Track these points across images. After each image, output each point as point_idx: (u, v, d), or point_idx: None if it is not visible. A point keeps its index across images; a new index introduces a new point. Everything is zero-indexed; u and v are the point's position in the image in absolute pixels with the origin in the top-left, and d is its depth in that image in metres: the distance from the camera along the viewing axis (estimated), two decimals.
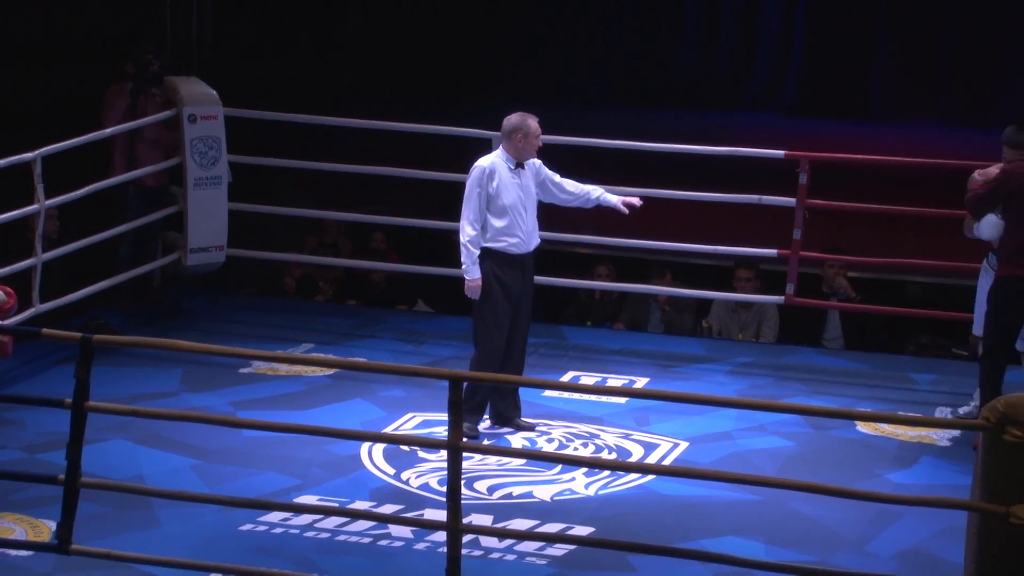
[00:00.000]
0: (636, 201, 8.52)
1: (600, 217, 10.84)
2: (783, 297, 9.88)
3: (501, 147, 8.25)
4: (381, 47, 16.86)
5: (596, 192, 8.45)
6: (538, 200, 8.33)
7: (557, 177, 8.40)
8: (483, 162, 8.20)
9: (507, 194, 8.12)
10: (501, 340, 8.20)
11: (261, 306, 10.74)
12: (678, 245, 10.20)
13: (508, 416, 8.35)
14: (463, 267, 8.15)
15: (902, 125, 15.65)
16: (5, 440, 8.02)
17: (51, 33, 13.00)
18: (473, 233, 8.11)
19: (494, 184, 8.12)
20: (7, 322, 6.80)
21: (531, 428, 8.35)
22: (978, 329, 8.65)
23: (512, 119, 8.23)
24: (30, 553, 6.64)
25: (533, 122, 8.21)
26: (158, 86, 10.15)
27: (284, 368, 9.18)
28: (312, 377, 9.13)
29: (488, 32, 16.87)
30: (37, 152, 8.94)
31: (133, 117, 10.04)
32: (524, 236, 8.18)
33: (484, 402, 8.27)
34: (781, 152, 9.92)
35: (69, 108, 11.16)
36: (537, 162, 8.32)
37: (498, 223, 8.12)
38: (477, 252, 8.12)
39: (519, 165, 8.19)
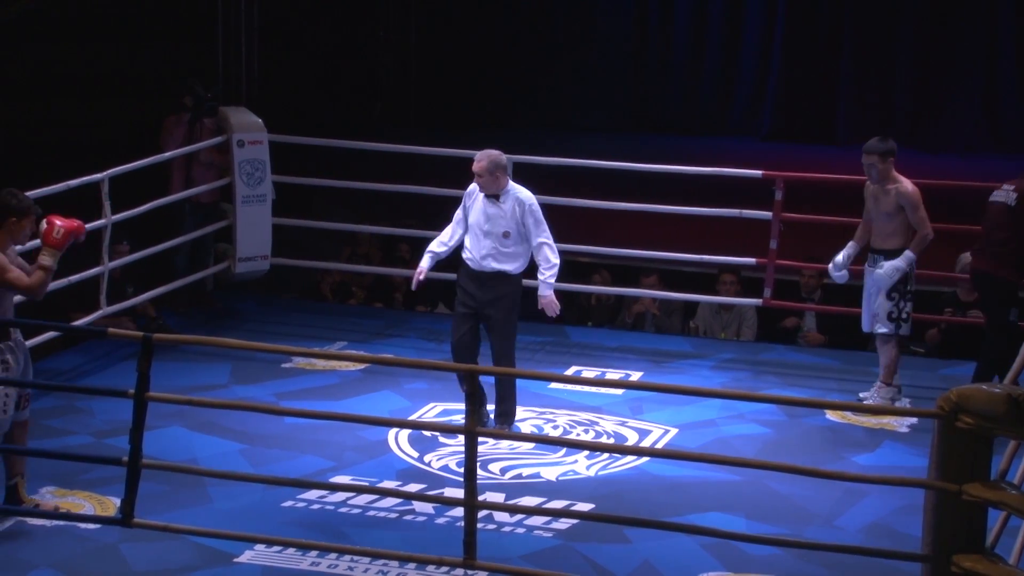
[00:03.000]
0: (552, 310, 8.02)
1: (599, 229, 10.82)
2: (761, 300, 9.84)
3: None
4: (408, 81, 16.84)
5: (545, 276, 7.90)
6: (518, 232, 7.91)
7: (538, 239, 7.86)
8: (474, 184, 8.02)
9: (473, 215, 7.94)
10: (456, 336, 7.98)
11: (301, 308, 10.71)
12: (668, 254, 10.15)
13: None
14: None
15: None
16: (76, 427, 7.99)
17: (117, 71, 13.00)
18: (441, 235, 8.04)
19: (470, 203, 7.97)
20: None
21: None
22: (866, 325, 8.68)
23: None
24: (97, 526, 6.62)
25: (476, 156, 7.87)
26: (211, 115, 10.14)
27: (321, 363, 9.13)
28: (346, 371, 9.09)
29: (501, 69, 16.85)
30: (105, 173, 8.92)
31: (189, 143, 10.03)
32: (475, 255, 7.92)
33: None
34: (759, 172, 9.88)
35: (132, 136, 11.15)
36: (527, 205, 7.89)
37: (466, 237, 7.99)
38: (428, 251, 8.03)
39: (492, 196, 7.89)
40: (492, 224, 7.89)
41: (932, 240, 8.50)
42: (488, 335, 8.03)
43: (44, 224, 6.68)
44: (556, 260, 7.93)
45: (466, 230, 7.98)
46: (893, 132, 15.55)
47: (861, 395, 8.74)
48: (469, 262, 7.94)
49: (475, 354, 8.02)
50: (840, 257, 8.71)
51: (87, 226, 8.77)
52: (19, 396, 6.67)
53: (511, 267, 7.93)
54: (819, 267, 10.11)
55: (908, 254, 8.42)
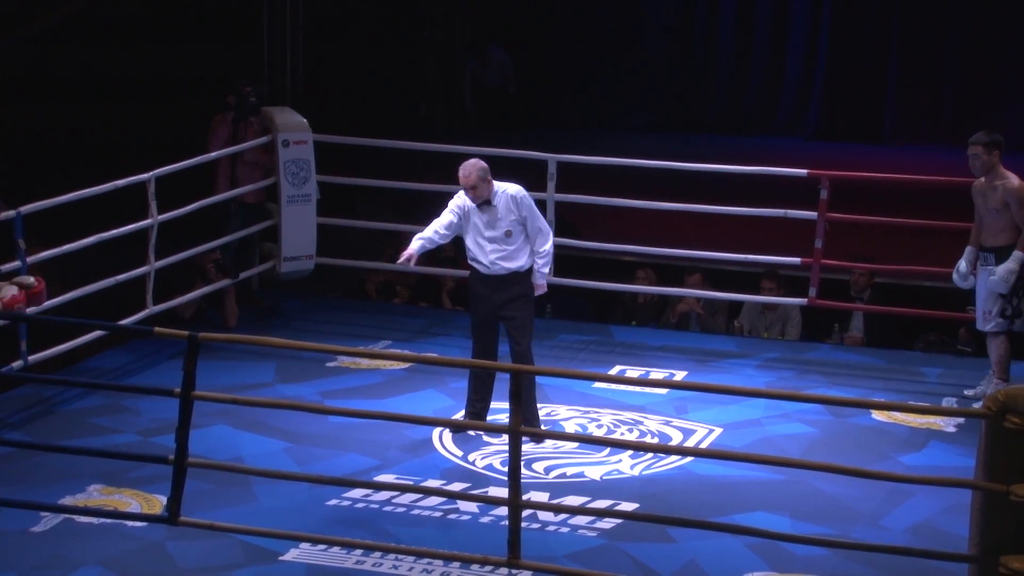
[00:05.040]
0: (540, 289, 8.05)
1: (644, 228, 10.81)
2: (806, 299, 9.80)
3: None
4: (453, 81, 16.86)
5: (539, 264, 7.96)
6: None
7: (538, 232, 7.91)
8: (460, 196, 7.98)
9: (469, 224, 7.92)
10: (478, 341, 8.01)
11: (345, 307, 10.75)
12: (713, 254, 10.12)
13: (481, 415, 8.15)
14: None
15: (911, 147, 15.52)
16: (123, 425, 8.04)
17: (164, 71, 13.09)
18: (431, 226, 8.00)
19: (465, 211, 7.91)
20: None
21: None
22: (980, 324, 8.57)
23: None
24: (144, 524, 6.66)
25: (460, 171, 7.84)
26: (256, 115, 10.16)
27: (365, 362, 9.16)
28: (390, 370, 9.12)
29: (547, 68, 16.86)
30: (151, 173, 8.98)
31: (234, 142, 10.06)
32: (484, 262, 7.91)
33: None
34: (804, 171, 9.83)
35: (179, 136, 11.22)
36: (518, 198, 7.88)
37: (468, 245, 7.98)
38: (418, 237, 7.98)
39: (484, 203, 7.87)
40: (492, 228, 7.89)
41: None
42: (508, 336, 8.03)
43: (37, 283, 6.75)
44: (549, 247, 7.97)
45: (466, 240, 7.95)
46: (940, 131, 15.63)
47: (969, 392, 8.73)
48: (479, 268, 7.96)
49: (495, 358, 8.06)
50: (963, 266, 8.55)
51: (133, 226, 8.93)
52: None
53: (522, 263, 7.94)
54: (870, 267, 10.06)
55: (1018, 254, 8.27)
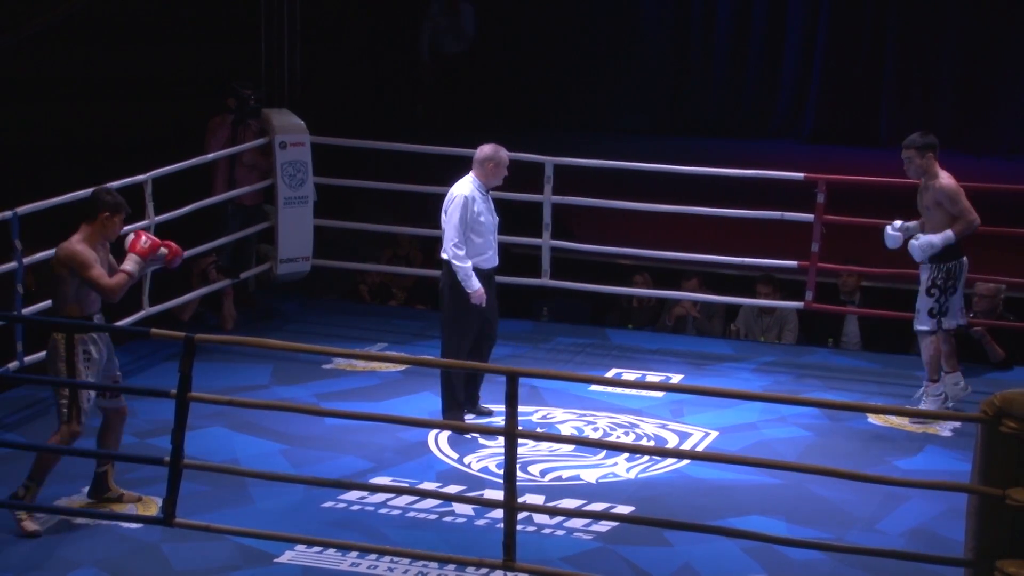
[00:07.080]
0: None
1: (640, 231, 10.79)
2: (802, 303, 9.79)
3: (473, 174, 7.95)
4: (448, 83, 16.83)
5: None
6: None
7: None
8: (463, 190, 7.91)
9: (483, 216, 7.91)
10: (467, 344, 8.01)
11: (342, 310, 10.74)
12: (709, 257, 10.11)
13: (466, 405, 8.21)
14: (463, 283, 7.90)
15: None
16: None
17: (162, 73, 13.07)
18: (462, 253, 7.88)
19: (475, 208, 7.89)
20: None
21: (489, 413, 8.19)
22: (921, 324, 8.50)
23: (486, 149, 7.94)
24: (140, 526, 6.66)
25: (504, 154, 7.94)
26: (254, 117, 10.16)
27: (361, 364, 9.15)
28: (386, 372, 9.10)
29: (543, 71, 16.82)
30: (148, 174, 8.98)
31: (232, 144, 10.06)
32: (493, 253, 8.01)
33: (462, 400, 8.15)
34: (801, 175, 9.83)
35: (176, 137, 11.20)
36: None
37: (476, 241, 7.90)
38: (471, 267, 7.90)
39: (488, 191, 7.96)
40: (494, 218, 8.02)
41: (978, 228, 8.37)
42: (489, 334, 8.09)
43: (132, 235, 6.83)
44: None
45: (477, 235, 7.92)
46: (937, 134, 15.54)
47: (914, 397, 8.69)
48: (485, 262, 7.98)
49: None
50: (897, 223, 8.58)
51: (129, 227, 8.90)
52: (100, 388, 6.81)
53: None
54: (859, 269, 10.05)
55: (948, 233, 8.32)
